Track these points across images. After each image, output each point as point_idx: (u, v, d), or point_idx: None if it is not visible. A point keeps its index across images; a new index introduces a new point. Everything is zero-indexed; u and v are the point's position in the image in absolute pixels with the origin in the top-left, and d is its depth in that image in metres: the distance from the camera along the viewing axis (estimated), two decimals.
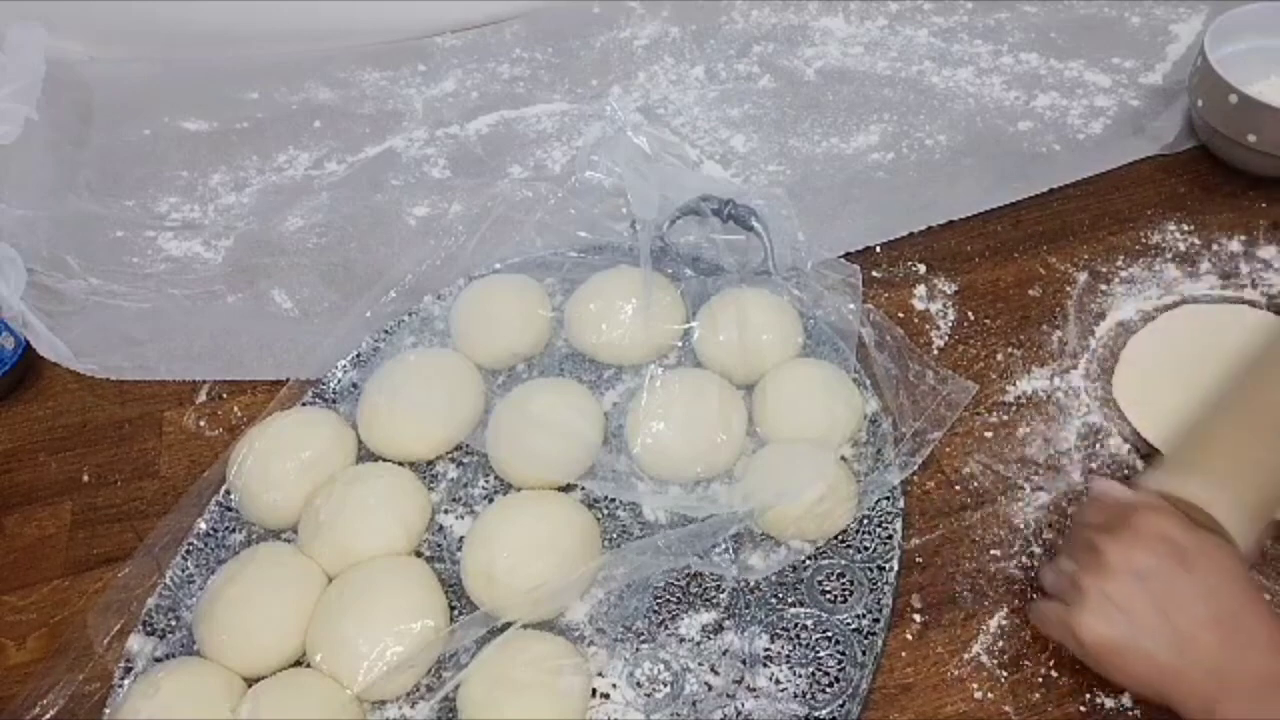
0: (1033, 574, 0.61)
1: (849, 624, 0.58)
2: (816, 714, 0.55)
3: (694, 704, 0.56)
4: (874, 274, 0.79)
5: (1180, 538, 0.52)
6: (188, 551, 0.64)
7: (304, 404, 0.71)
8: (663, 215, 0.76)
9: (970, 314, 0.76)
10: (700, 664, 0.57)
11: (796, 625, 0.58)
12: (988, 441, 0.68)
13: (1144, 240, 0.80)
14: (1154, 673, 0.51)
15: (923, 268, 0.79)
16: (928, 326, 0.75)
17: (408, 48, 1.05)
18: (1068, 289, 0.77)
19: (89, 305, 0.80)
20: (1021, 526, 0.63)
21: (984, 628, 0.59)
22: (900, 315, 0.76)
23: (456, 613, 0.61)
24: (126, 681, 0.58)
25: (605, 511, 0.65)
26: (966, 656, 0.58)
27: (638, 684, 0.57)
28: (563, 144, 0.93)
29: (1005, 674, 0.57)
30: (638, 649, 0.58)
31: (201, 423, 0.73)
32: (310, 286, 0.81)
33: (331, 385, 0.73)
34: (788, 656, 0.57)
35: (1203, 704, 0.49)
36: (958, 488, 0.65)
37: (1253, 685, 0.49)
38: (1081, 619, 0.52)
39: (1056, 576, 0.55)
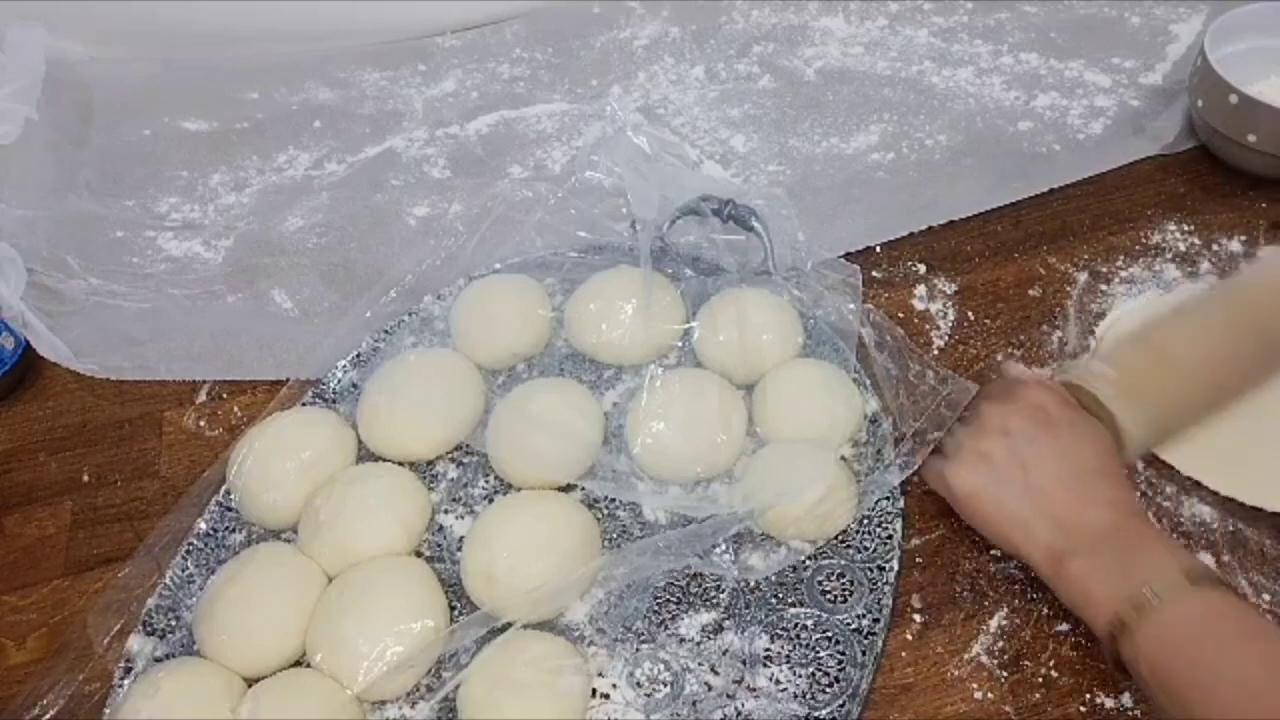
0: (1033, 574, 0.60)
1: (849, 624, 0.58)
2: (816, 714, 0.55)
3: (694, 704, 0.56)
4: (874, 274, 0.79)
5: (1053, 408, 0.59)
6: (188, 551, 0.64)
7: (304, 404, 0.71)
8: (663, 215, 0.76)
9: (970, 314, 0.76)
10: (700, 664, 0.57)
11: (796, 625, 0.58)
12: None
13: (1144, 240, 0.80)
14: (1005, 520, 0.56)
15: (923, 268, 0.79)
16: (928, 326, 0.75)
17: (408, 48, 1.05)
18: (1068, 289, 0.77)
19: (89, 305, 0.80)
20: None
21: (984, 628, 0.59)
22: (900, 315, 0.76)
23: (456, 613, 0.61)
24: (126, 681, 0.58)
25: (605, 511, 0.65)
26: (966, 656, 0.58)
27: (638, 684, 0.57)
28: (563, 144, 0.93)
29: (1005, 674, 0.57)
30: (638, 649, 0.58)
31: (201, 423, 0.73)
32: (310, 286, 0.81)
33: (331, 385, 0.73)
34: (788, 656, 0.57)
35: (1047, 553, 0.54)
36: None
37: (1093, 538, 0.53)
38: (952, 468, 0.59)
39: (948, 439, 0.61)
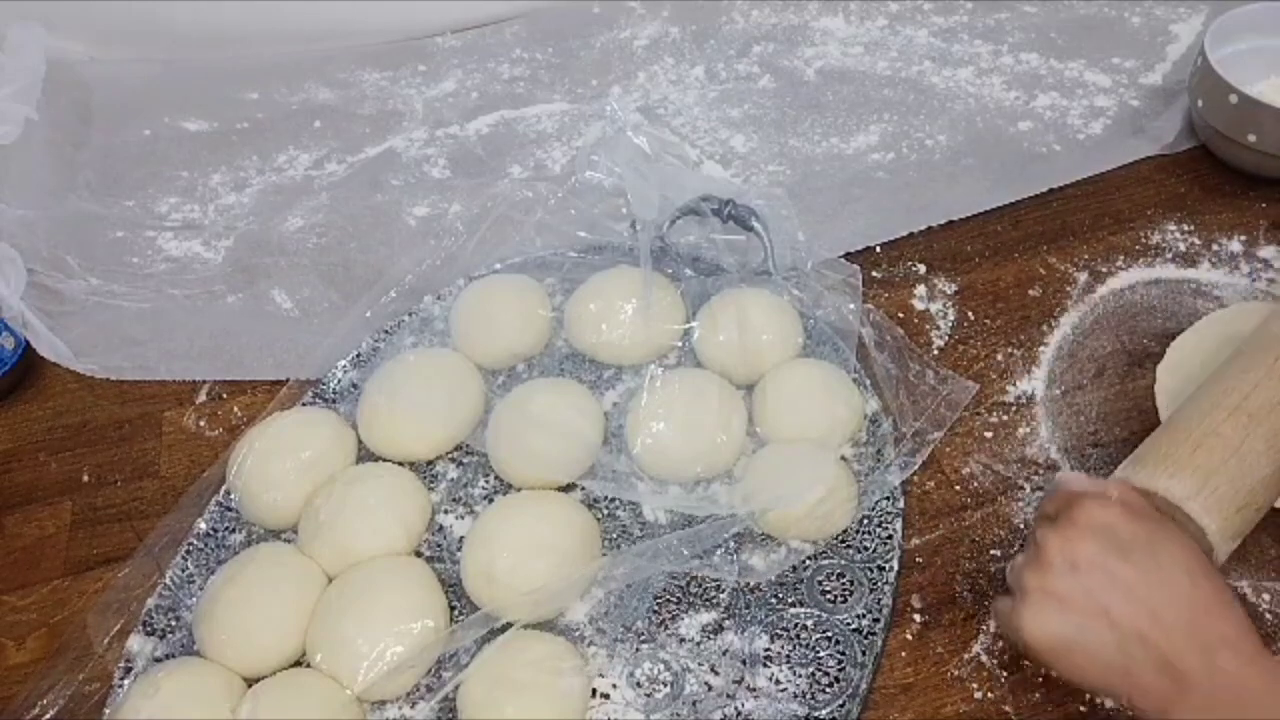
0: None
1: (849, 624, 0.58)
2: (816, 714, 0.55)
3: (694, 704, 0.56)
4: (874, 274, 0.79)
5: (1121, 527, 0.49)
6: (188, 551, 0.64)
7: (304, 404, 0.71)
8: (663, 215, 0.76)
9: (970, 314, 0.76)
10: (700, 664, 0.57)
11: (796, 625, 0.58)
12: (988, 441, 0.68)
13: (1144, 240, 0.80)
14: (1101, 670, 0.48)
15: (923, 268, 0.79)
16: (928, 326, 0.75)
17: (408, 48, 1.05)
18: (1068, 289, 0.77)
19: (89, 305, 0.80)
20: (1021, 526, 0.63)
21: (984, 628, 0.59)
22: (900, 315, 0.76)
23: (456, 613, 0.61)
24: (126, 681, 0.58)
25: (605, 511, 0.65)
26: (966, 656, 0.58)
27: (638, 684, 0.57)
28: (563, 144, 0.93)
29: (1005, 674, 0.57)
30: (638, 649, 0.58)
31: (201, 423, 0.73)
32: (310, 286, 0.81)
33: (331, 385, 0.73)
34: (788, 656, 0.57)
35: (1158, 704, 0.46)
36: (958, 488, 0.65)
37: (1207, 682, 0.46)
38: (1023, 616, 0.49)
39: (1011, 575, 0.53)
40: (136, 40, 1.03)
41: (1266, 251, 0.78)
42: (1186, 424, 0.57)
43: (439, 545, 0.64)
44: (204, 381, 0.76)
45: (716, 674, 0.57)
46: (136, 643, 0.60)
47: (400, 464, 0.67)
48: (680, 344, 0.73)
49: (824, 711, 0.55)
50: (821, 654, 0.57)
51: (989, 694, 0.56)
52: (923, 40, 1.00)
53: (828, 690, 0.56)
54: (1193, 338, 0.70)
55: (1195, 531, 0.52)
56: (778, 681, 0.56)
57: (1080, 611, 0.48)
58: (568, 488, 0.66)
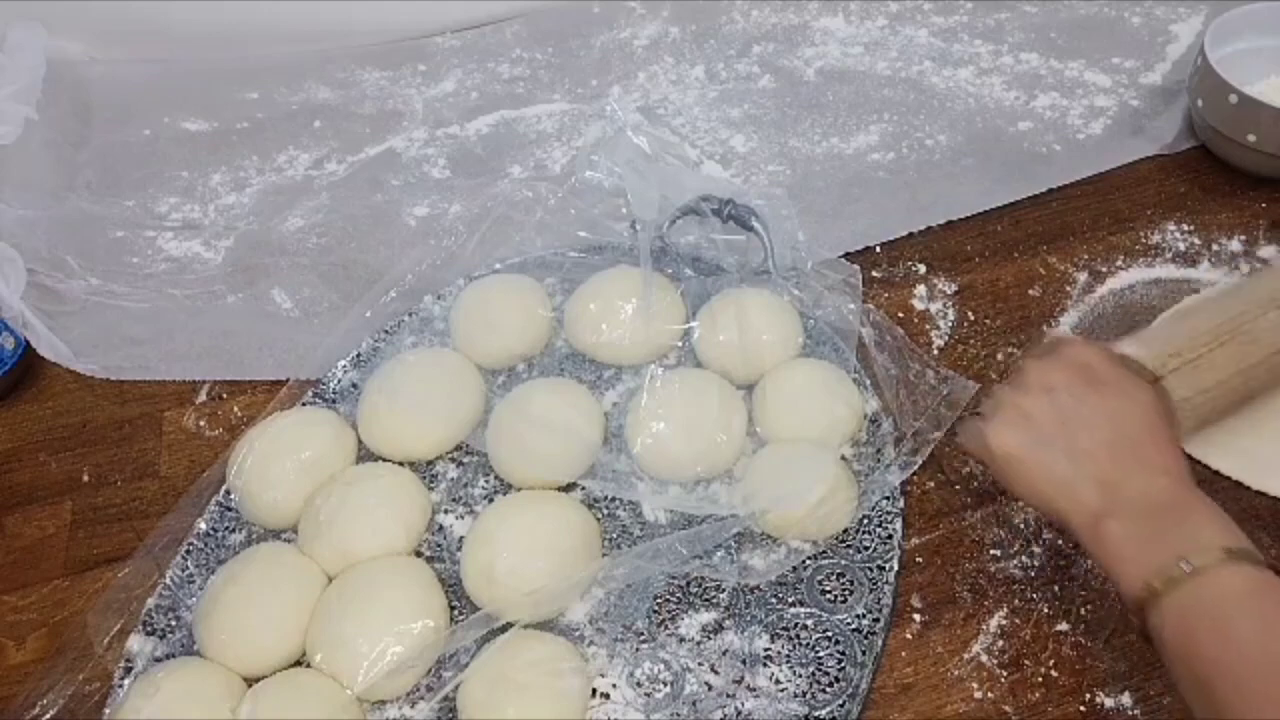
0: (1033, 574, 0.61)
1: (849, 624, 0.58)
2: (816, 714, 0.55)
3: (694, 704, 0.56)
4: (874, 274, 0.79)
5: (1099, 366, 0.55)
6: (188, 551, 0.64)
7: (304, 404, 0.71)
8: (663, 215, 0.76)
9: (970, 314, 0.76)
10: (700, 664, 0.57)
11: (796, 625, 0.58)
12: None
13: (1144, 240, 0.80)
14: (1049, 482, 0.53)
15: (923, 268, 0.79)
16: (928, 326, 0.75)
17: (408, 48, 1.05)
18: (1068, 289, 0.77)
19: (89, 305, 0.80)
20: (1021, 526, 0.63)
21: (984, 628, 0.59)
22: (900, 315, 0.76)
23: (456, 613, 0.61)
24: (126, 681, 0.58)
25: (605, 511, 0.65)
26: (966, 656, 0.58)
27: (638, 684, 0.57)
28: (563, 144, 0.93)
29: (1005, 674, 0.57)
30: (638, 649, 0.58)
31: (201, 423, 0.73)
32: (310, 286, 0.81)
33: (331, 385, 0.73)
34: (788, 656, 0.57)
35: (1089, 516, 0.51)
36: (958, 488, 0.65)
37: (1136, 504, 0.50)
38: (992, 428, 0.55)
39: (987, 400, 0.58)
40: (136, 40, 1.03)
41: (1266, 251, 0.78)
42: (1184, 316, 0.62)
43: (439, 545, 0.64)
44: (204, 381, 0.76)
45: (716, 674, 0.57)
46: (136, 643, 0.60)
47: (400, 464, 0.67)
48: (680, 344, 0.73)
49: (824, 711, 0.55)
50: (821, 654, 0.57)
51: (989, 694, 0.56)
52: (923, 40, 1.00)
53: (828, 690, 0.56)
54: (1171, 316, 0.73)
55: (1164, 396, 0.57)
56: (778, 681, 0.56)
57: (1044, 427, 0.53)
58: (568, 488, 0.66)
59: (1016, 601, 0.60)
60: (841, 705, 0.55)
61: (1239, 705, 0.43)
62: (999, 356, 0.73)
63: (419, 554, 0.64)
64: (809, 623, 0.58)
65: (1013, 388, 0.56)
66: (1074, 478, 0.52)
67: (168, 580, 0.62)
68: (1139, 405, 0.54)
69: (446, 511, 0.66)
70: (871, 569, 0.60)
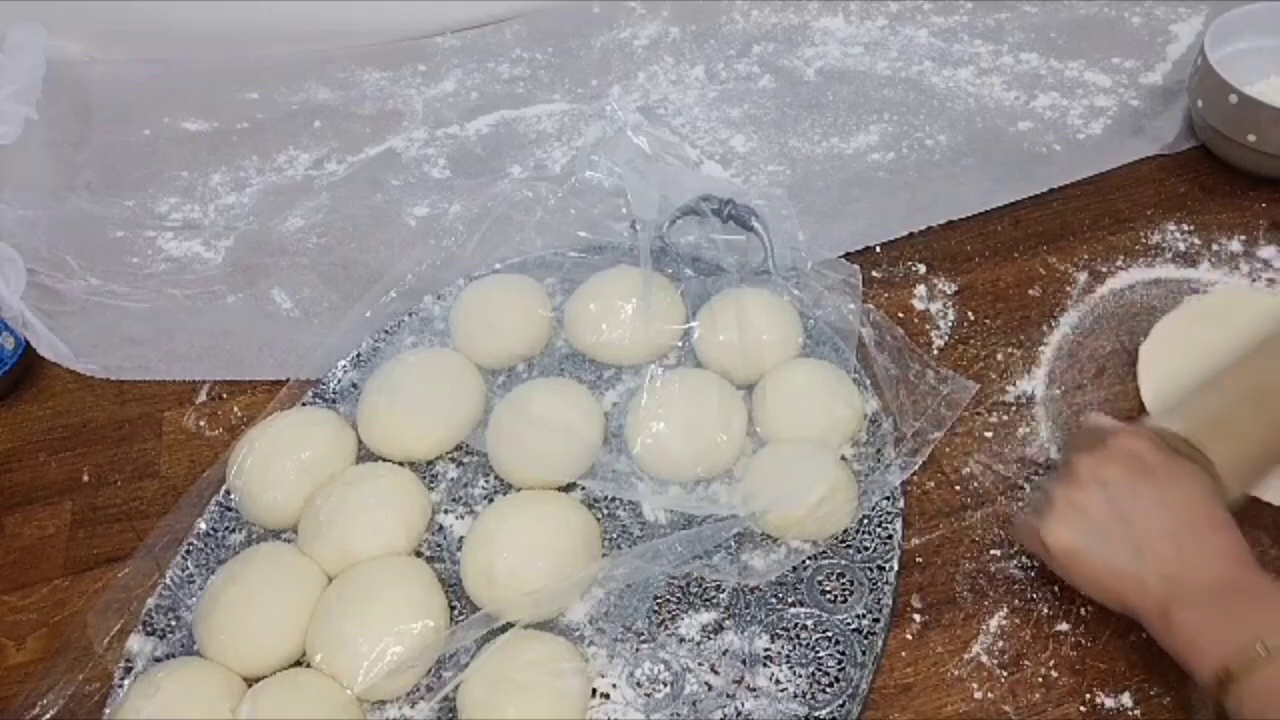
0: (1033, 574, 0.61)
1: (849, 624, 0.58)
2: (816, 714, 0.55)
3: (694, 704, 0.56)
4: (874, 274, 0.79)
5: (1149, 455, 0.55)
6: (188, 551, 0.64)
7: (304, 404, 0.71)
8: (663, 215, 0.76)
9: (970, 314, 0.76)
10: (700, 664, 0.57)
11: (796, 625, 0.58)
12: (988, 441, 0.68)
13: (1144, 240, 0.80)
14: (1112, 577, 0.53)
15: (923, 268, 0.79)
16: (928, 326, 0.75)
17: (408, 48, 1.05)
18: (1068, 289, 0.77)
19: (89, 305, 0.80)
20: None
21: (984, 628, 0.59)
22: (900, 315, 0.76)
23: (456, 613, 0.61)
24: (126, 681, 0.58)
25: (605, 511, 0.65)
26: (966, 656, 0.58)
27: (638, 684, 0.57)
28: (563, 144, 0.93)
29: (1005, 674, 0.57)
30: (638, 649, 0.58)
31: (201, 423, 0.73)
32: (310, 286, 0.81)
33: (331, 385, 0.73)
34: (788, 656, 0.57)
35: (1157, 606, 0.51)
36: (958, 488, 0.65)
37: (1204, 590, 0.51)
38: (1048, 525, 0.55)
39: (1036, 494, 0.58)
40: (136, 40, 1.03)
41: (1266, 251, 0.78)
42: (1216, 381, 0.60)
43: (439, 545, 0.64)
44: (204, 381, 0.76)
45: (716, 674, 0.57)
46: (136, 643, 0.60)
47: (400, 464, 0.67)
48: (680, 344, 0.73)
49: (824, 711, 0.55)
50: (821, 654, 0.57)
51: (989, 694, 0.56)
52: (923, 40, 1.00)
53: (828, 690, 0.56)
54: (1177, 319, 0.72)
55: (1212, 474, 0.56)
56: (778, 681, 0.56)
57: (1102, 522, 0.53)
58: (568, 488, 0.66)
59: (1016, 601, 0.60)
60: (841, 705, 0.55)
61: None
62: (999, 356, 0.73)
63: (419, 554, 0.64)
64: (809, 623, 0.58)
65: (1064, 483, 0.56)
66: (1138, 569, 0.52)
67: (168, 580, 0.62)
68: (1193, 490, 0.54)
69: (446, 511, 0.66)
70: (871, 569, 0.60)
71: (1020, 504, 0.60)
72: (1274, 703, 0.46)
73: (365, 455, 0.69)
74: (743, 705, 0.56)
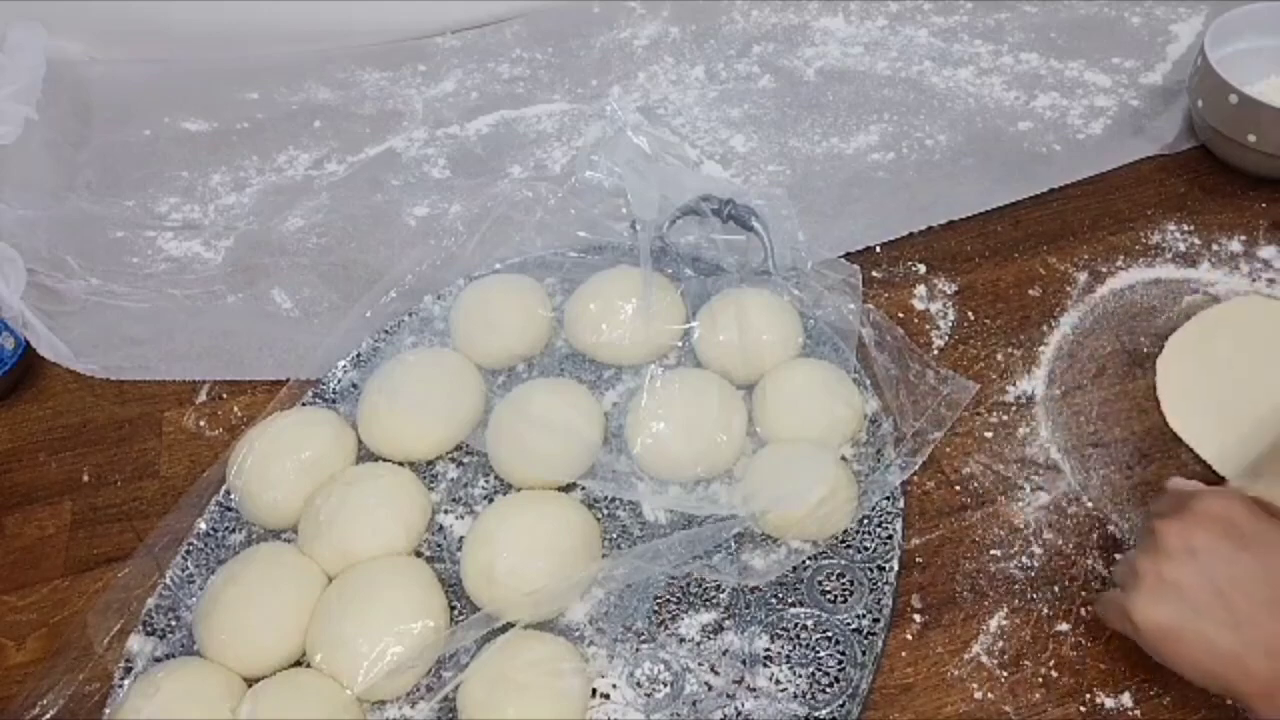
0: (1033, 574, 0.61)
1: (849, 624, 0.58)
2: (816, 714, 0.55)
3: (694, 704, 0.56)
4: (874, 274, 0.79)
5: (1239, 519, 0.51)
6: (188, 551, 0.64)
7: (304, 404, 0.71)
8: (663, 215, 0.76)
9: (970, 314, 0.76)
10: (700, 664, 0.57)
11: (796, 625, 0.58)
12: (988, 441, 0.68)
13: (1144, 240, 0.80)
14: (1211, 657, 0.49)
15: (923, 268, 0.79)
16: (928, 326, 0.75)
17: (408, 48, 1.05)
18: (1068, 289, 0.77)
19: (89, 305, 0.80)
20: (1021, 526, 0.63)
21: (984, 628, 0.59)
22: (900, 315, 0.76)
23: (456, 613, 0.61)
24: (126, 681, 0.58)
25: (605, 511, 0.65)
26: (966, 656, 0.58)
27: (638, 684, 0.57)
28: (563, 144, 0.93)
29: (1005, 674, 0.57)
30: (638, 649, 0.58)
31: (201, 423, 0.73)
32: (310, 286, 0.81)
33: (331, 385, 0.73)
34: (788, 656, 0.57)
35: (1264, 689, 0.47)
36: (958, 488, 0.65)
37: None
38: (1136, 602, 0.51)
39: (1122, 568, 0.54)
40: (136, 40, 1.03)
41: (1266, 251, 0.78)
42: None
43: (439, 545, 0.64)
44: (204, 381, 0.76)
45: (716, 674, 0.57)
46: (136, 643, 0.60)
47: (400, 464, 0.67)
48: (680, 344, 0.73)
49: (824, 711, 0.55)
50: (821, 654, 0.57)
51: (989, 694, 0.56)
52: (923, 40, 1.00)
53: (828, 690, 0.56)
54: (1195, 329, 0.72)
55: None
56: (778, 681, 0.56)
57: (1197, 597, 0.49)
58: (568, 488, 0.66)
59: (1016, 601, 0.60)
60: (841, 705, 0.55)
61: None
62: (999, 356, 0.73)
63: (419, 554, 0.64)
64: (809, 623, 0.58)
65: (1151, 555, 0.51)
66: (1240, 648, 0.48)
67: (168, 580, 0.62)
68: None
69: (446, 511, 0.66)
70: (871, 569, 0.60)
71: (1104, 579, 0.57)
72: None
73: (365, 455, 0.69)
74: (743, 705, 0.56)
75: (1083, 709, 0.56)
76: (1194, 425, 0.67)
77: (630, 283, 0.73)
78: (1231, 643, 0.48)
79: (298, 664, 0.59)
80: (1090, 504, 0.64)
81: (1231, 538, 0.50)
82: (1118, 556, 0.59)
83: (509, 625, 0.57)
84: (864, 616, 0.58)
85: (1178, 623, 0.49)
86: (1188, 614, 0.49)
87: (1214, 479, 0.64)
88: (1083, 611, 0.59)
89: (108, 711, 0.57)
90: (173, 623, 0.61)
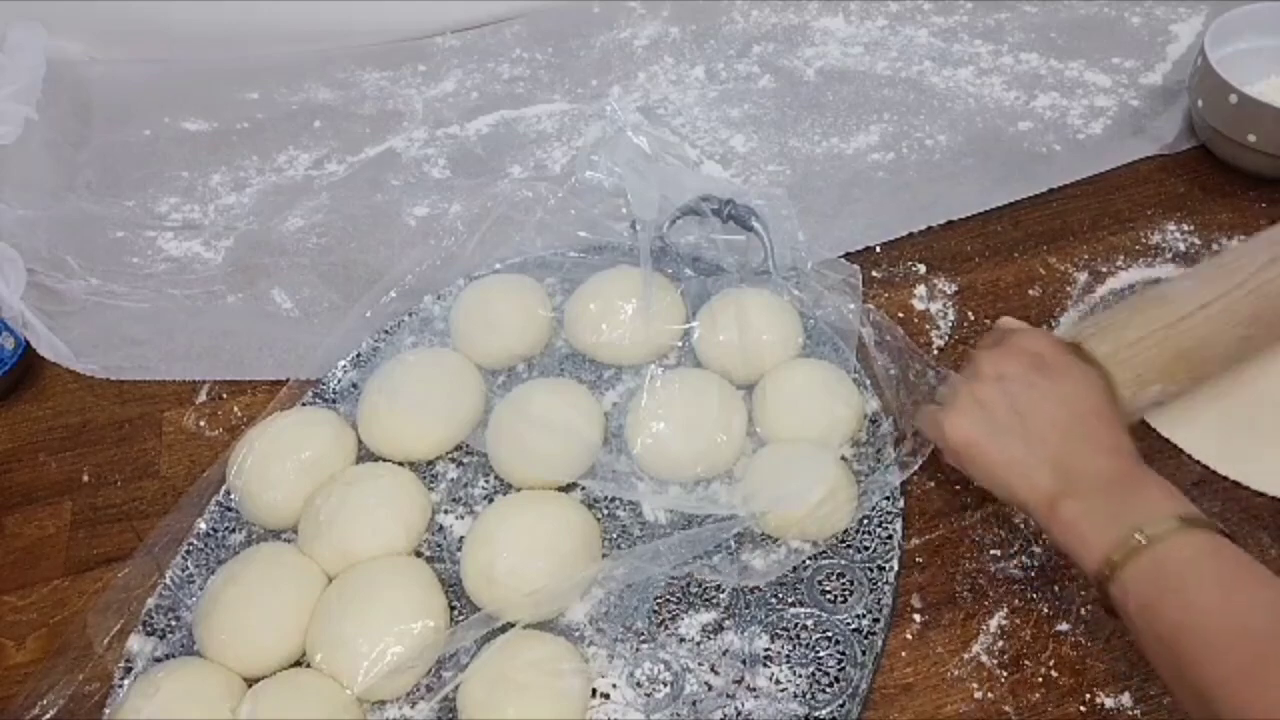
0: (1033, 574, 0.61)
1: (849, 624, 0.58)
2: (816, 714, 0.55)
3: (694, 704, 0.56)
4: (874, 274, 0.79)
5: (1048, 354, 0.58)
6: (188, 551, 0.64)
7: (304, 404, 0.71)
8: (663, 215, 0.76)
9: (970, 314, 0.76)
10: (700, 664, 0.57)
11: (796, 625, 0.58)
12: None
13: (1144, 240, 0.80)
14: (1004, 465, 0.55)
15: (923, 268, 0.79)
16: (928, 326, 0.75)
17: (408, 48, 1.05)
18: (1068, 289, 0.77)
19: (89, 305, 0.80)
20: (1021, 526, 0.63)
21: (984, 628, 0.59)
22: (900, 315, 0.76)
23: (456, 613, 0.61)
24: (126, 681, 0.58)
25: (605, 511, 0.65)
26: (966, 656, 0.58)
27: (638, 684, 0.57)
28: (563, 144, 0.93)
29: (1005, 674, 0.57)
30: (638, 649, 0.58)
31: (201, 423, 0.73)
32: (310, 286, 0.81)
33: (331, 385, 0.73)
34: (788, 656, 0.57)
35: (1044, 497, 0.53)
36: (958, 488, 0.65)
37: (1089, 483, 0.52)
38: (948, 416, 0.57)
39: (944, 388, 0.61)
40: (136, 40, 1.03)
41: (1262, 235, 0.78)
42: (1140, 312, 0.63)
43: (439, 545, 0.64)
44: (204, 381, 0.76)
45: (716, 674, 0.57)
46: (136, 643, 0.60)
47: (400, 464, 0.67)
48: (680, 344, 0.73)
49: (824, 711, 0.55)
50: (821, 654, 0.57)
51: (989, 694, 0.56)
52: (923, 40, 1.00)
53: (828, 690, 0.56)
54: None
55: (1103, 373, 0.59)
56: (778, 681, 0.56)
57: (998, 414, 0.56)
58: (568, 488, 0.66)
59: (1016, 601, 0.60)
60: (841, 705, 0.55)
61: (1206, 665, 0.45)
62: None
63: (419, 554, 0.64)
64: (809, 623, 0.58)
65: (966, 377, 0.59)
66: (1029, 461, 0.54)
67: (168, 580, 0.62)
68: (1087, 387, 0.56)
69: (446, 511, 0.66)
70: (871, 569, 0.60)
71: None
72: (1152, 589, 0.48)
73: (365, 455, 0.69)
74: (743, 705, 0.56)
75: (1083, 709, 0.56)
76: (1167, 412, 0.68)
77: (630, 283, 0.73)
78: (1022, 455, 0.54)
79: (298, 664, 0.59)
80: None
81: (1036, 367, 0.57)
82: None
83: (509, 625, 0.57)
84: (864, 616, 0.58)
85: (979, 436, 0.56)
86: (989, 428, 0.56)
87: (1211, 477, 0.64)
88: (1083, 611, 0.59)
89: (108, 711, 0.57)
90: (173, 623, 0.61)
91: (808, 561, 0.61)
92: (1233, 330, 0.62)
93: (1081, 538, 0.51)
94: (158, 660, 0.59)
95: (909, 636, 0.59)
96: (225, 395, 0.75)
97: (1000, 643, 0.58)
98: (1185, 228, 0.80)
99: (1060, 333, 0.63)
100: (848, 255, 0.79)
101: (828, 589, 0.60)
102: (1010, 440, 0.55)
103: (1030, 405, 0.55)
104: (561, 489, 0.65)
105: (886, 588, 0.59)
